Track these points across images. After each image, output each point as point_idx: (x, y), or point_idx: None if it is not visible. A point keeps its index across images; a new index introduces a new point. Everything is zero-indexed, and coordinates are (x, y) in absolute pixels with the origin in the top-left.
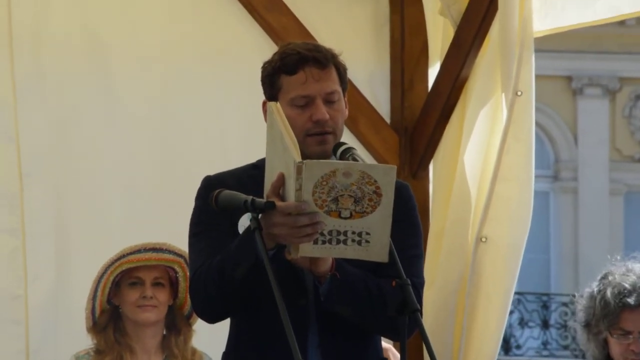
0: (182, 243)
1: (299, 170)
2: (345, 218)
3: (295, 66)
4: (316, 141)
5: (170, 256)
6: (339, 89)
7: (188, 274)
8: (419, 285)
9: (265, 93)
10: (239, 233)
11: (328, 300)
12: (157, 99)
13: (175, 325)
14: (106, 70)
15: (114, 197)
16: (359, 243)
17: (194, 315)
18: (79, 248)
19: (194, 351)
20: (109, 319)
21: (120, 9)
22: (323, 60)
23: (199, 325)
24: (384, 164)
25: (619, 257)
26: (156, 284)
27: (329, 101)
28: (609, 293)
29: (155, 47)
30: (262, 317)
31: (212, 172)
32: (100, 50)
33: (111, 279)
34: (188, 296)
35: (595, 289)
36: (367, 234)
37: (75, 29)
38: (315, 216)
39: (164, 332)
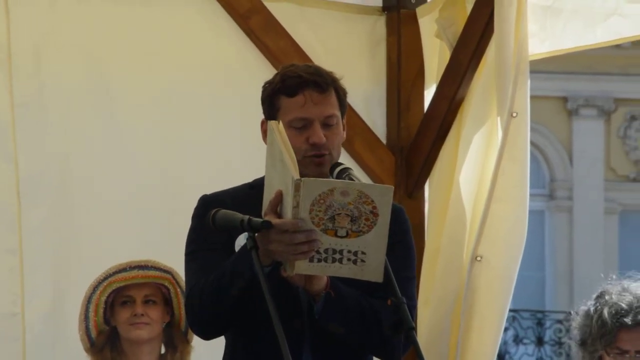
0: (178, 264)
1: (297, 187)
2: (342, 237)
3: (296, 89)
4: (313, 163)
5: (157, 273)
6: (338, 113)
7: (179, 290)
8: (412, 307)
9: (264, 112)
10: (235, 252)
11: (322, 319)
12: (156, 120)
13: (172, 342)
14: (106, 92)
15: (111, 217)
16: (355, 262)
17: (190, 331)
18: (77, 267)
19: None
20: (106, 340)
21: (120, 32)
22: (323, 84)
23: (197, 341)
24: (381, 184)
25: (614, 276)
26: (147, 302)
27: (327, 124)
28: (606, 313)
29: (154, 69)
30: (257, 336)
31: (210, 191)
32: (100, 73)
33: (102, 299)
34: (181, 313)
35: (592, 308)
36: (363, 253)
37: (75, 51)
38: (311, 234)
39: (162, 350)
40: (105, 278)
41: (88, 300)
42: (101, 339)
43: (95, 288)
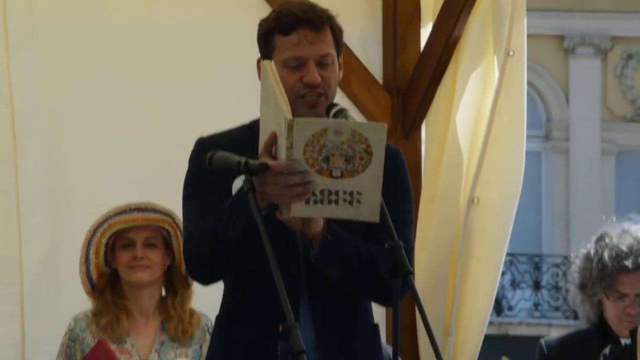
0: (174, 202)
1: (290, 127)
2: (337, 177)
3: (290, 27)
4: (307, 104)
5: (157, 215)
6: (333, 52)
7: (179, 233)
8: (409, 250)
9: (260, 51)
10: (232, 195)
11: (319, 262)
12: (151, 58)
13: (173, 287)
14: (100, 29)
15: (109, 156)
16: (350, 203)
17: None
18: (73, 210)
19: (192, 313)
20: (107, 282)
21: None
22: (318, 22)
23: (196, 288)
24: (374, 122)
25: (614, 219)
26: (148, 245)
27: (322, 64)
28: (606, 255)
29: (148, 8)
30: (255, 281)
31: (205, 132)
32: (94, 9)
33: (103, 241)
34: (181, 257)
35: (592, 251)
36: (359, 193)
37: None
38: (306, 175)
39: (163, 294)
40: (105, 220)
41: (88, 243)
42: (102, 281)
43: (95, 230)
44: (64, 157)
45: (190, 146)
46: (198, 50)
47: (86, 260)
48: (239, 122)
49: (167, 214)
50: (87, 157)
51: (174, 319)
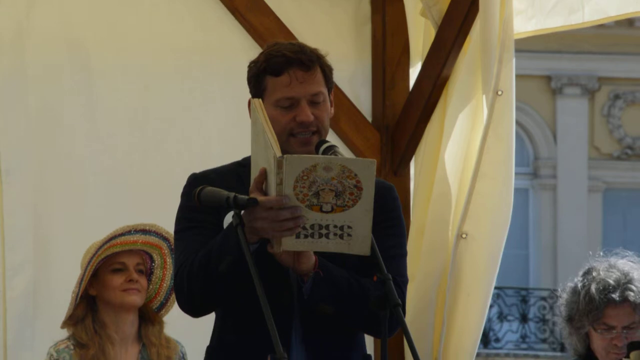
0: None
1: (279, 164)
2: (327, 212)
3: (280, 68)
4: (299, 142)
5: (155, 239)
6: (324, 90)
7: (168, 260)
8: (402, 284)
9: (250, 92)
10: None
11: (311, 299)
12: (137, 97)
13: (149, 316)
14: (86, 68)
15: (94, 193)
16: (341, 237)
17: (165, 307)
18: (58, 243)
19: (169, 340)
20: (86, 310)
21: (101, 9)
22: (308, 62)
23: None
24: (363, 158)
25: (601, 253)
26: (138, 271)
27: (313, 102)
28: (593, 289)
29: (136, 45)
30: (247, 312)
31: (191, 170)
32: (80, 49)
33: (95, 264)
34: (160, 287)
35: (579, 284)
36: (349, 227)
37: (56, 28)
38: (296, 210)
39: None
40: (109, 240)
41: (88, 263)
42: (80, 310)
43: (97, 249)
44: (49, 192)
45: (176, 180)
46: (187, 88)
47: (81, 281)
48: (225, 161)
49: (166, 238)
50: (71, 193)
51: (155, 345)
